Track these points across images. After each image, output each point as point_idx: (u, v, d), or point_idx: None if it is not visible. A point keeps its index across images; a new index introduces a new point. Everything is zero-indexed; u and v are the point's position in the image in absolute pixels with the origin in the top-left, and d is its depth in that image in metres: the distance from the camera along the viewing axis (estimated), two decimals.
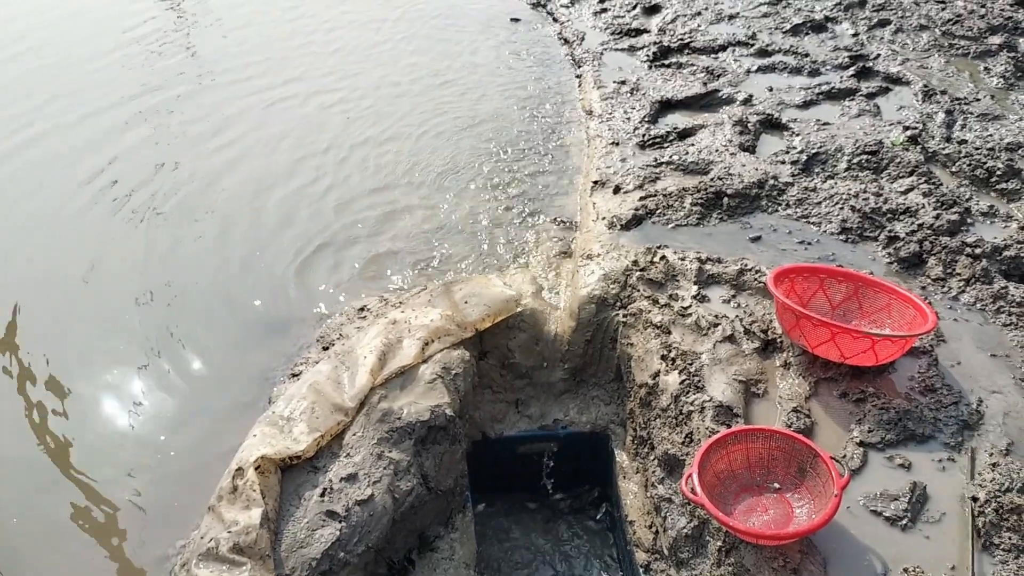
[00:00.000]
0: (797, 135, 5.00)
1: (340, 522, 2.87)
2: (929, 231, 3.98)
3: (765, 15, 7.02)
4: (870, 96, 5.50)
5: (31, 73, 7.12)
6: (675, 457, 3.14)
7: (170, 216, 5.09)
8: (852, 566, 2.54)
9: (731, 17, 7.05)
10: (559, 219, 4.86)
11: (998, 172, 4.43)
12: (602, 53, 6.73)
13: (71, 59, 7.49)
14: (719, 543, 2.76)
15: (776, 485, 2.78)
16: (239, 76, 6.99)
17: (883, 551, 2.57)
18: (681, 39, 6.64)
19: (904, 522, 2.66)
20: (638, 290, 3.83)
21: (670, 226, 4.26)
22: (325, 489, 2.96)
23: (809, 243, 4.05)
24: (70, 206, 5.21)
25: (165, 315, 4.26)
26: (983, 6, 6.70)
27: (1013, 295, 3.58)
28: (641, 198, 4.47)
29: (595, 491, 4.03)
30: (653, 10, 7.44)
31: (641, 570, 3.30)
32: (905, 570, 2.50)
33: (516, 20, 8.19)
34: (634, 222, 4.31)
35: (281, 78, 6.92)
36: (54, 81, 6.95)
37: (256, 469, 2.90)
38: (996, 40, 6.12)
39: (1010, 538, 2.57)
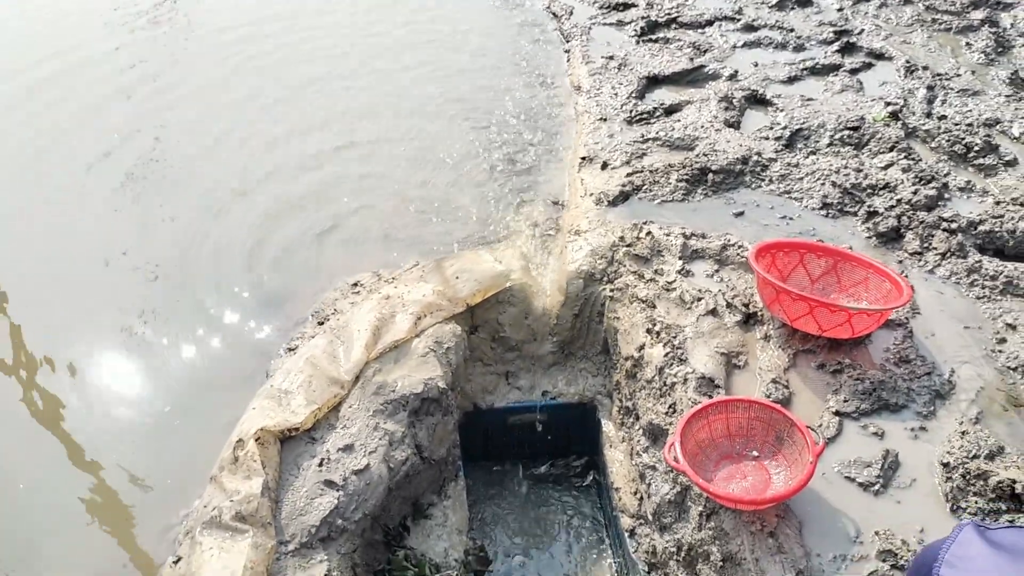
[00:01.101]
0: (781, 111, 5.08)
1: (338, 491, 2.98)
2: (907, 206, 4.08)
3: None
4: (853, 71, 5.57)
5: None
6: (659, 427, 3.26)
7: (161, 189, 5.14)
8: (826, 529, 2.66)
9: None
10: (548, 195, 4.94)
11: (976, 148, 4.52)
12: (590, 27, 6.76)
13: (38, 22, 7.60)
14: (700, 508, 2.88)
15: (755, 453, 2.89)
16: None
17: (856, 515, 2.69)
18: (668, 13, 6.68)
19: (876, 487, 2.78)
20: (624, 265, 3.92)
21: (656, 202, 4.35)
22: (323, 459, 3.07)
23: (791, 218, 4.15)
24: (56, 176, 5.29)
25: (163, 291, 4.33)
26: None
27: (987, 269, 3.69)
28: (628, 174, 4.56)
29: (583, 459, 4.15)
30: None
31: (626, 534, 3.43)
32: (876, 533, 2.62)
33: None
34: (621, 198, 4.39)
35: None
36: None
37: (256, 440, 3.00)
38: (978, 15, 6.18)
39: (976, 502, 2.69)
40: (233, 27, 7.28)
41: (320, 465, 3.05)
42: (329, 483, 3.00)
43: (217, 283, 4.39)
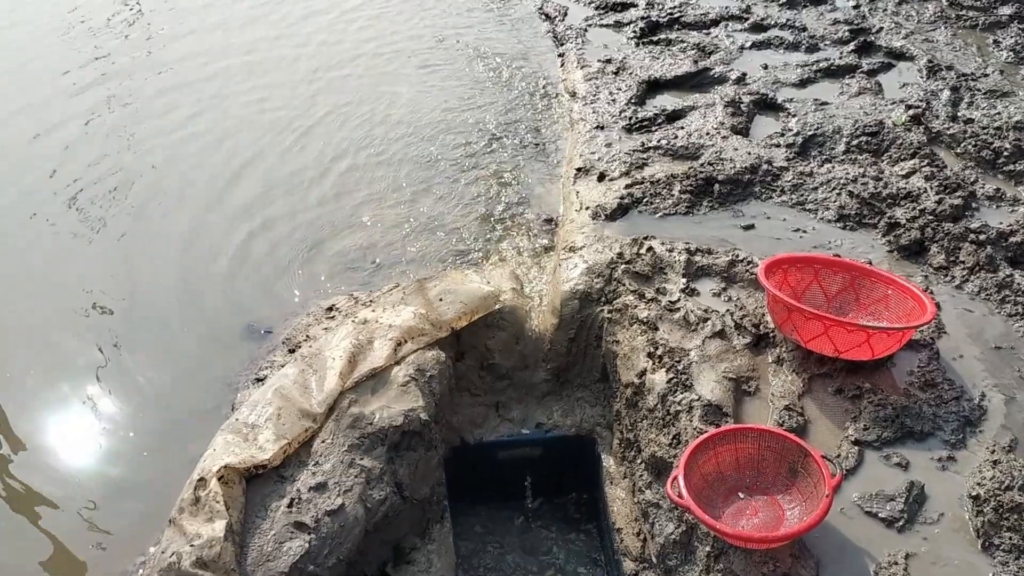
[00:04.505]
0: (793, 116, 5.10)
1: (309, 534, 2.95)
2: (931, 217, 4.09)
3: None
4: (871, 73, 5.61)
5: None
6: (662, 460, 3.24)
7: (124, 211, 5.16)
8: (846, 569, 2.64)
9: None
10: (540, 210, 4.95)
11: (1005, 153, 4.54)
12: (586, 29, 6.81)
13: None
14: (708, 548, 2.85)
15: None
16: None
17: (878, 553, 2.68)
18: (670, 13, 6.74)
19: (901, 523, 2.76)
20: (624, 284, 3.92)
21: (658, 215, 4.35)
22: (293, 499, 3.04)
23: (805, 231, 4.15)
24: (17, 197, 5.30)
25: (122, 318, 4.34)
26: None
27: (1019, 284, 3.69)
28: (627, 186, 4.57)
29: (582, 498, 4.12)
30: None
31: None
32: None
33: None
34: (619, 211, 4.40)
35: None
36: None
37: (219, 479, 2.98)
38: (1007, 11, 6.24)
39: (1010, 538, 2.68)
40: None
41: (290, 506, 3.03)
42: (300, 525, 2.97)
43: (180, 311, 4.38)
